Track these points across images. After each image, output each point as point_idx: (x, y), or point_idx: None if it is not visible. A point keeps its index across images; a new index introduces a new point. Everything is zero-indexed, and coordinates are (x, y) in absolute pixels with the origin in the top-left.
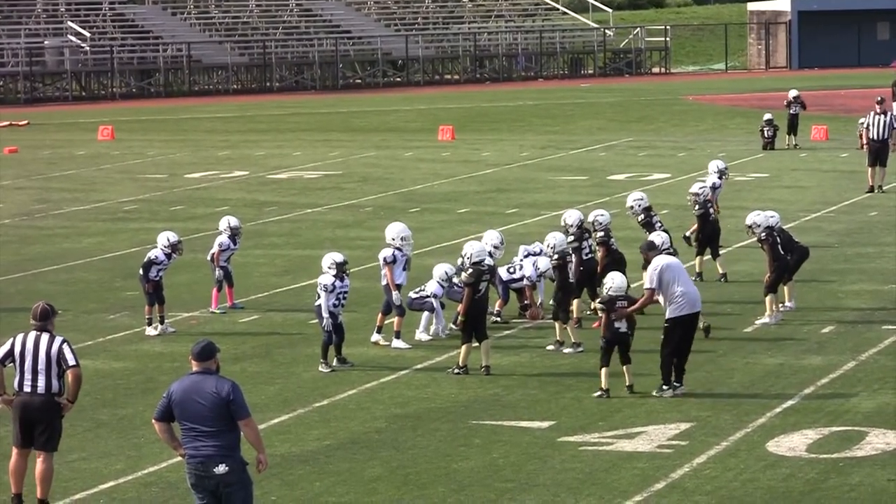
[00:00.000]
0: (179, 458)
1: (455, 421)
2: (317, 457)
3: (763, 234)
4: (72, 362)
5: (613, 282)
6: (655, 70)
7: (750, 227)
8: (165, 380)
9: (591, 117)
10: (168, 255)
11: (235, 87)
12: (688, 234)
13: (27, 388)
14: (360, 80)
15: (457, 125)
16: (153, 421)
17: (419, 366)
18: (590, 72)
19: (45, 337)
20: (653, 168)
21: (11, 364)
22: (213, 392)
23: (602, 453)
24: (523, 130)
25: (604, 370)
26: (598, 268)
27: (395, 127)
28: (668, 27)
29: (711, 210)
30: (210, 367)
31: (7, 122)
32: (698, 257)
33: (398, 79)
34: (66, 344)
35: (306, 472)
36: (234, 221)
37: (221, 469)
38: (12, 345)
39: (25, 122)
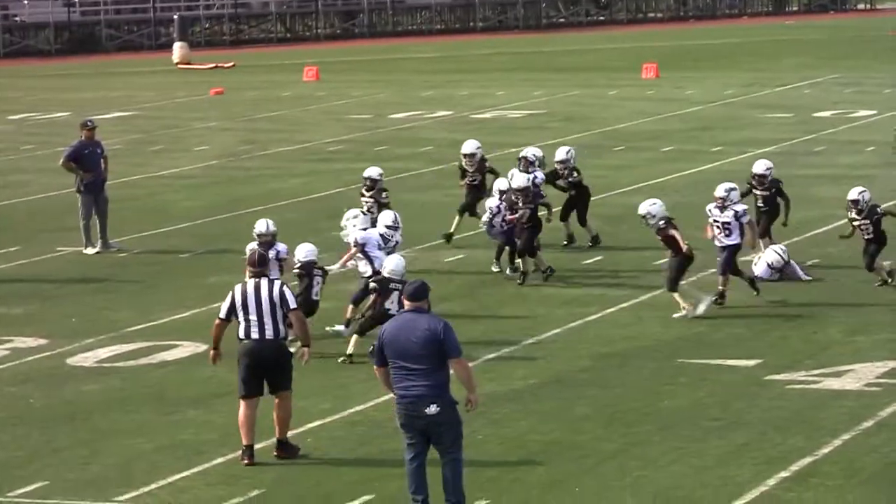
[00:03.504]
0: (386, 398)
1: (661, 360)
2: (522, 395)
3: (662, 223)
4: (293, 305)
5: (392, 264)
6: (861, 6)
7: (644, 217)
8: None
9: (796, 54)
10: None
11: (439, 27)
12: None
13: (255, 336)
14: (563, 20)
15: (661, 63)
16: (375, 368)
17: (624, 304)
18: (794, 8)
19: (264, 283)
20: (859, 105)
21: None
22: (427, 329)
23: (809, 392)
24: (727, 68)
25: (355, 337)
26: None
27: (599, 66)
28: None
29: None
30: (422, 306)
31: (213, 64)
32: None
33: (601, 17)
34: (285, 286)
35: (512, 411)
36: (260, 226)
37: (432, 409)
38: (233, 298)
39: (231, 63)
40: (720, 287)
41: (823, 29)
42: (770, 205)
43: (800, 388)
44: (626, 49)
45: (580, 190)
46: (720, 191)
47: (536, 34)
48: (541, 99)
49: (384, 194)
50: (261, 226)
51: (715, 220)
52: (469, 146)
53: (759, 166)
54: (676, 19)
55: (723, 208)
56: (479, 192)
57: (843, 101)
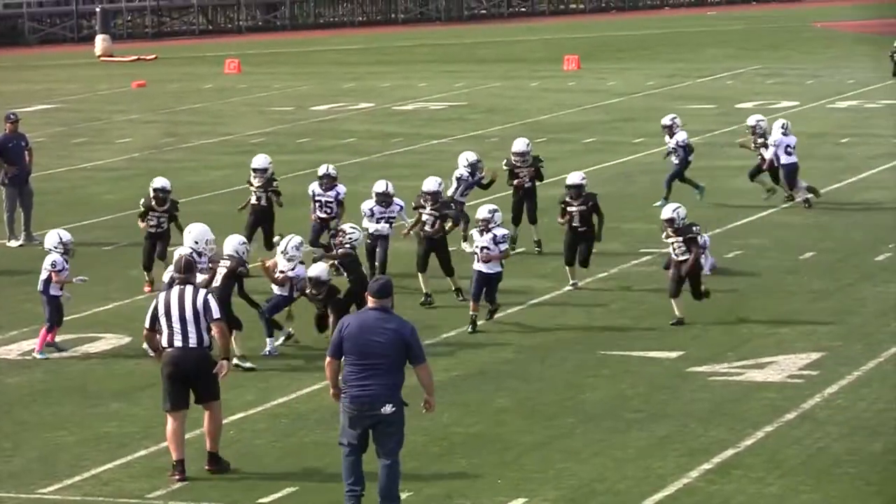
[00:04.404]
0: (308, 390)
1: (583, 352)
2: (445, 388)
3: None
4: (216, 315)
5: (315, 272)
6: None
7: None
8: (299, 310)
9: (718, 45)
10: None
11: (361, 19)
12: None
13: (178, 344)
14: (484, 11)
15: (582, 55)
16: (328, 358)
17: (547, 296)
18: None
19: (189, 290)
20: (781, 96)
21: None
22: (395, 331)
23: (732, 384)
24: (649, 59)
25: None
26: None
27: (521, 57)
28: None
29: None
30: (387, 304)
31: (135, 57)
32: None
33: (523, 9)
34: (210, 296)
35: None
36: (66, 236)
37: (388, 409)
38: (156, 306)
39: (153, 56)
40: (472, 313)
41: (745, 20)
42: (587, 224)
43: (722, 381)
44: (547, 41)
45: (534, 185)
46: (483, 212)
47: (458, 26)
48: (462, 90)
49: (178, 206)
50: (54, 238)
51: (476, 245)
52: (260, 160)
53: (574, 177)
54: (598, 11)
55: (485, 231)
56: (267, 214)
57: (765, 92)
